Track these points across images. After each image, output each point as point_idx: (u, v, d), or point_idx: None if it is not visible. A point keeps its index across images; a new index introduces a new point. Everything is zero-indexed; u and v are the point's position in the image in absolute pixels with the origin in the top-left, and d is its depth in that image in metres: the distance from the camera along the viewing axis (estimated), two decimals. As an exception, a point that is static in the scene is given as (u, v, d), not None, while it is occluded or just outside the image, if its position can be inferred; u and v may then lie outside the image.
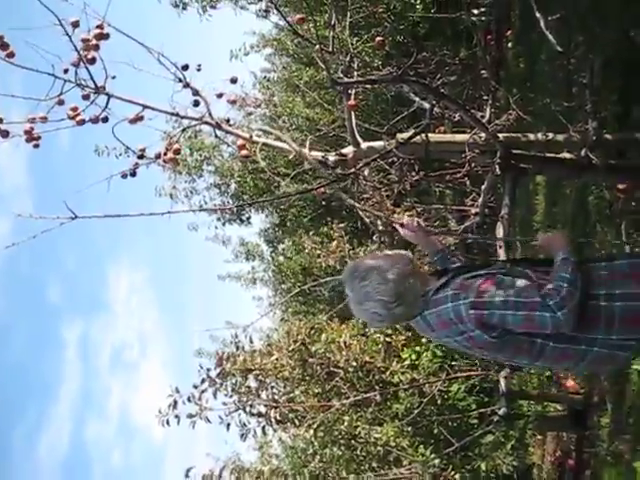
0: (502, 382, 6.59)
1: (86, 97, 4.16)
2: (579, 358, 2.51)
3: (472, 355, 2.78)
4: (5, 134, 4.01)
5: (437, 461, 6.56)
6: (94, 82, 4.11)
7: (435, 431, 6.98)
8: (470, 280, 2.51)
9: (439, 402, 6.95)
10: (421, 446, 6.72)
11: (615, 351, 2.48)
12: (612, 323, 2.45)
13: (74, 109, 4.16)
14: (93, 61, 4.04)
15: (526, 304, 2.37)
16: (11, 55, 3.91)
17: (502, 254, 4.28)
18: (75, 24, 3.91)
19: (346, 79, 4.09)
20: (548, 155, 4.27)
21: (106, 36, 4.02)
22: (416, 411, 6.66)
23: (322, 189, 4.48)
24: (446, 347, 7.26)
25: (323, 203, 11.16)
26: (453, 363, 7.36)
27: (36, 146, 4.14)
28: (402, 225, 3.08)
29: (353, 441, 6.71)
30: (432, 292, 2.56)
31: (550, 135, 4.40)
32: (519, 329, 2.43)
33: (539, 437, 9.12)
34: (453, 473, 6.57)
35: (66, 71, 4.03)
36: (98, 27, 3.99)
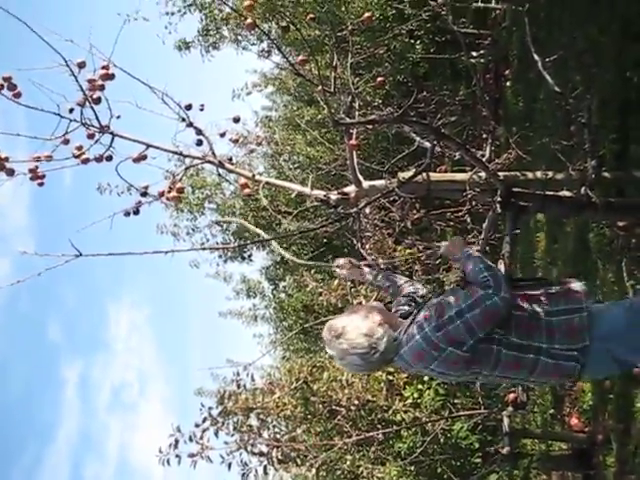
0: (505, 420, 6.54)
1: (91, 136, 4.22)
2: (530, 367, 2.80)
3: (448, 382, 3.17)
4: (10, 172, 4.06)
5: (440, 501, 6.49)
6: (99, 121, 4.17)
7: (439, 470, 6.92)
8: (430, 309, 2.84)
9: (442, 441, 6.90)
10: (424, 486, 6.65)
11: (560, 361, 2.77)
12: (552, 332, 2.78)
13: (79, 148, 4.21)
14: (98, 101, 4.10)
15: (475, 302, 2.71)
16: (18, 95, 3.97)
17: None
18: (81, 65, 3.98)
19: (348, 119, 4.14)
20: (548, 193, 4.29)
21: (111, 76, 4.09)
22: (419, 450, 6.61)
23: (325, 228, 4.51)
24: (448, 385, 7.24)
25: (325, 241, 11.20)
26: (456, 401, 7.32)
27: (40, 184, 4.18)
28: (337, 266, 3.53)
29: (355, 481, 6.65)
30: (402, 334, 2.86)
31: (550, 173, 4.43)
32: (484, 325, 2.71)
33: (544, 477, 9.01)
34: (457, 514, 6.50)
35: (71, 111, 4.09)
36: (104, 67, 4.06)
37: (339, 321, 2.93)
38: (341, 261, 3.52)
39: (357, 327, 2.84)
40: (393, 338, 2.84)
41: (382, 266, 3.60)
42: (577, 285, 2.94)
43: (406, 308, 3.14)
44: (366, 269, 3.48)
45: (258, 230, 4.36)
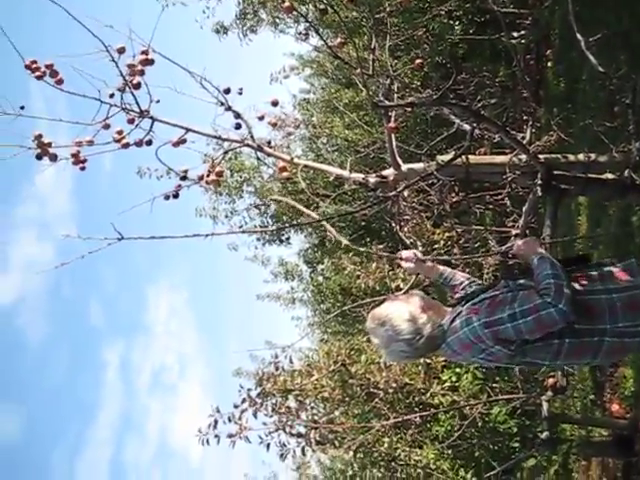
0: (544, 405, 6.48)
1: (131, 121, 4.26)
2: (595, 350, 2.75)
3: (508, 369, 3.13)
4: (53, 157, 4.12)
5: (478, 485, 6.48)
6: (139, 106, 4.20)
7: (476, 454, 6.90)
8: (478, 304, 2.81)
9: (480, 425, 6.86)
10: (462, 469, 6.65)
11: (625, 339, 2.72)
12: (615, 311, 2.72)
13: (119, 132, 4.25)
14: (138, 86, 4.13)
15: (530, 309, 2.62)
16: (60, 82, 4.02)
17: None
18: (121, 50, 4.01)
19: (387, 102, 4.11)
20: (590, 176, 4.22)
21: (151, 62, 4.11)
22: (457, 434, 6.58)
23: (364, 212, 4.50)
24: (486, 369, 7.19)
25: (363, 224, 11.18)
26: (494, 385, 7.27)
27: (82, 169, 4.24)
28: (401, 259, 3.38)
29: (393, 463, 6.67)
30: (449, 321, 2.84)
31: (592, 156, 4.35)
32: (535, 334, 2.66)
33: (583, 463, 8.93)
34: (494, 497, 6.47)
35: (112, 96, 4.13)
36: (143, 53, 4.08)
37: (382, 309, 2.90)
38: (405, 253, 3.39)
39: (401, 313, 2.82)
40: (438, 324, 2.82)
41: (448, 266, 3.46)
42: (630, 262, 2.89)
43: (457, 297, 3.12)
44: (430, 264, 3.39)
45: (306, 210, 4.34)
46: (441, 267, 3.37)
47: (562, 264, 2.83)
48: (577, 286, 2.79)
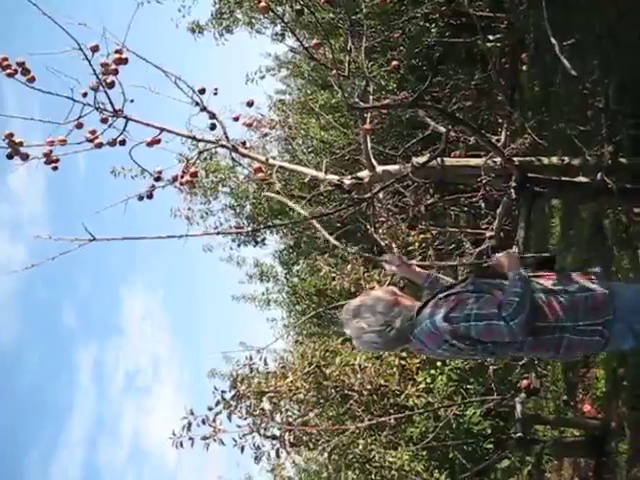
0: (518, 407, 6.52)
1: (104, 120, 4.22)
2: (555, 346, 2.88)
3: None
4: (25, 157, 4.06)
5: (452, 486, 6.50)
6: (112, 106, 4.16)
7: (450, 455, 6.92)
8: (444, 299, 2.93)
9: (454, 426, 6.88)
10: (436, 470, 6.67)
11: (584, 337, 2.85)
12: (576, 309, 2.84)
13: (92, 132, 4.21)
14: (112, 85, 4.09)
15: (485, 315, 2.76)
16: (32, 80, 3.97)
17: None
18: (94, 49, 3.97)
19: (362, 103, 4.11)
20: (564, 179, 4.26)
21: (125, 61, 4.07)
22: (431, 435, 6.60)
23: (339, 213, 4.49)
24: (460, 370, 7.22)
25: (338, 225, 11.18)
26: (468, 387, 7.30)
27: (55, 169, 4.18)
28: (386, 261, 3.53)
29: (367, 465, 6.66)
30: (416, 313, 2.96)
31: (566, 159, 4.40)
32: (483, 338, 2.80)
33: (556, 462, 9.00)
34: (468, 498, 6.50)
35: (85, 95, 4.09)
36: (117, 52, 4.04)
37: (355, 302, 3.05)
38: (390, 257, 3.57)
39: (372, 306, 2.96)
40: (408, 317, 2.94)
41: (433, 270, 3.58)
42: (594, 271, 3.02)
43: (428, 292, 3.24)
44: (417, 268, 3.50)
45: (297, 207, 4.33)
46: (424, 270, 3.49)
47: (533, 264, 3.05)
48: (544, 282, 2.93)
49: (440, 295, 2.98)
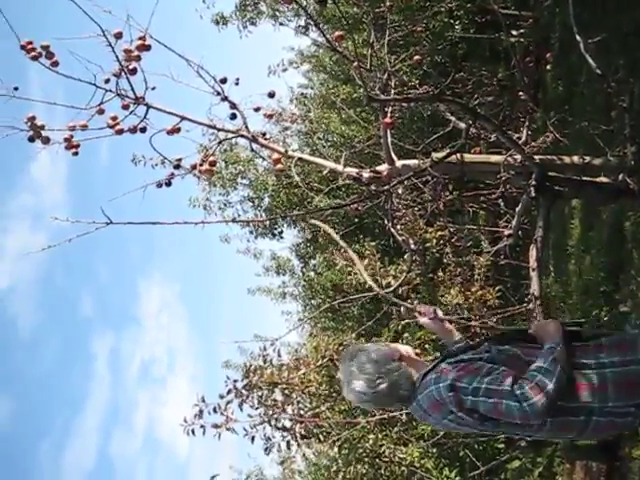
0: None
1: (126, 107, 4.24)
2: (581, 428, 2.53)
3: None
4: (46, 140, 4.10)
5: (462, 484, 6.48)
6: (134, 92, 4.19)
7: (461, 454, 6.90)
8: (453, 364, 2.61)
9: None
10: (446, 468, 6.64)
11: (615, 419, 2.50)
12: (605, 389, 2.47)
13: (114, 118, 4.24)
14: (134, 72, 4.11)
15: (496, 392, 2.42)
16: (55, 64, 4.00)
17: (534, 278, 4.22)
18: (118, 35, 3.99)
19: (382, 96, 4.10)
20: (585, 179, 4.22)
21: (148, 48, 4.09)
22: (442, 432, 6.58)
23: (356, 206, 4.48)
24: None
25: (356, 220, 11.16)
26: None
27: (75, 154, 4.22)
28: (420, 313, 3.18)
29: (377, 460, 6.65)
30: (421, 376, 2.67)
31: (587, 158, 4.35)
32: (491, 415, 2.48)
33: (568, 466, 8.95)
34: (478, 497, 6.49)
35: (107, 81, 4.11)
36: (140, 39, 4.06)
37: (359, 345, 2.86)
38: (424, 308, 3.19)
39: (372, 353, 2.71)
40: (407, 375, 2.69)
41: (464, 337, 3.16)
42: (633, 334, 2.69)
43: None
44: (449, 325, 3.17)
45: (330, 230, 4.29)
46: (457, 333, 3.14)
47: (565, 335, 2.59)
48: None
49: (450, 360, 2.67)
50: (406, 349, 2.85)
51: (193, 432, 6.28)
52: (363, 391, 2.66)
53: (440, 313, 3.16)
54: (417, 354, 3.03)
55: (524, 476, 6.91)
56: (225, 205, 11.59)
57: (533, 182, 3.96)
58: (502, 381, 2.43)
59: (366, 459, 6.66)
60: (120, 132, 4.27)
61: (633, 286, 6.34)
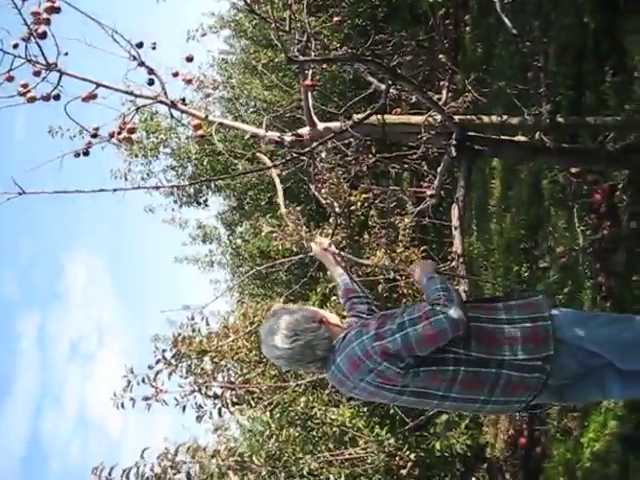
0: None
1: (37, 73, 4.09)
2: (492, 383, 2.62)
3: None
4: (-48, 110, 3.91)
5: (392, 440, 6.62)
6: (45, 58, 4.03)
7: (391, 412, 7.04)
8: (371, 319, 2.75)
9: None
10: (377, 426, 6.77)
11: (525, 374, 2.61)
12: (516, 341, 2.62)
13: (24, 86, 4.08)
14: (44, 36, 3.95)
15: (420, 317, 2.52)
16: (-42, 28, 3.80)
17: (457, 237, 4.30)
18: (25, -3, 3.82)
19: (302, 57, 4.06)
20: (503, 137, 4.31)
21: (57, 10, 3.94)
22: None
23: (278, 169, 4.46)
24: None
25: (281, 186, 11.12)
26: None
27: (-15, 123, 4.04)
28: (315, 242, 3.49)
29: (309, 422, 6.73)
30: (341, 338, 2.69)
31: (505, 118, 4.43)
32: (425, 344, 2.52)
33: (492, 417, 9.27)
34: (408, 452, 6.64)
35: (16, 46, 3.95)
36: (49, 0, 3.90)
37: (281, 305, 3.00)
38: (319, 239, 3.49)
39: (293, 312, 2.76)
40: (325, 337, 2.69)
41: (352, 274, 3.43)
42: (538, 298, 2.82)
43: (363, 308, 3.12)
44: (335, 259, 3.38)
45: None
46: (344, 270, 3.34)
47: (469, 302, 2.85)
48: (479, 313, 2.71)
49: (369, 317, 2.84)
50: (331, 315, 2.87)
51: (123, 405, 6.21)
52: (277, 346, 2.67)
53: (334, 249, 3.44)
54: (341, 321, 3.04)
55: (452, 429, 7.10)
56: (148, 175, 11.37)
57: (453, 142, 4.02)
58: (419, 308, 2.58)
59: (298, 422, 6.72)
60: (32, 100, 4.11)
61: (551, 242, 6.55)
